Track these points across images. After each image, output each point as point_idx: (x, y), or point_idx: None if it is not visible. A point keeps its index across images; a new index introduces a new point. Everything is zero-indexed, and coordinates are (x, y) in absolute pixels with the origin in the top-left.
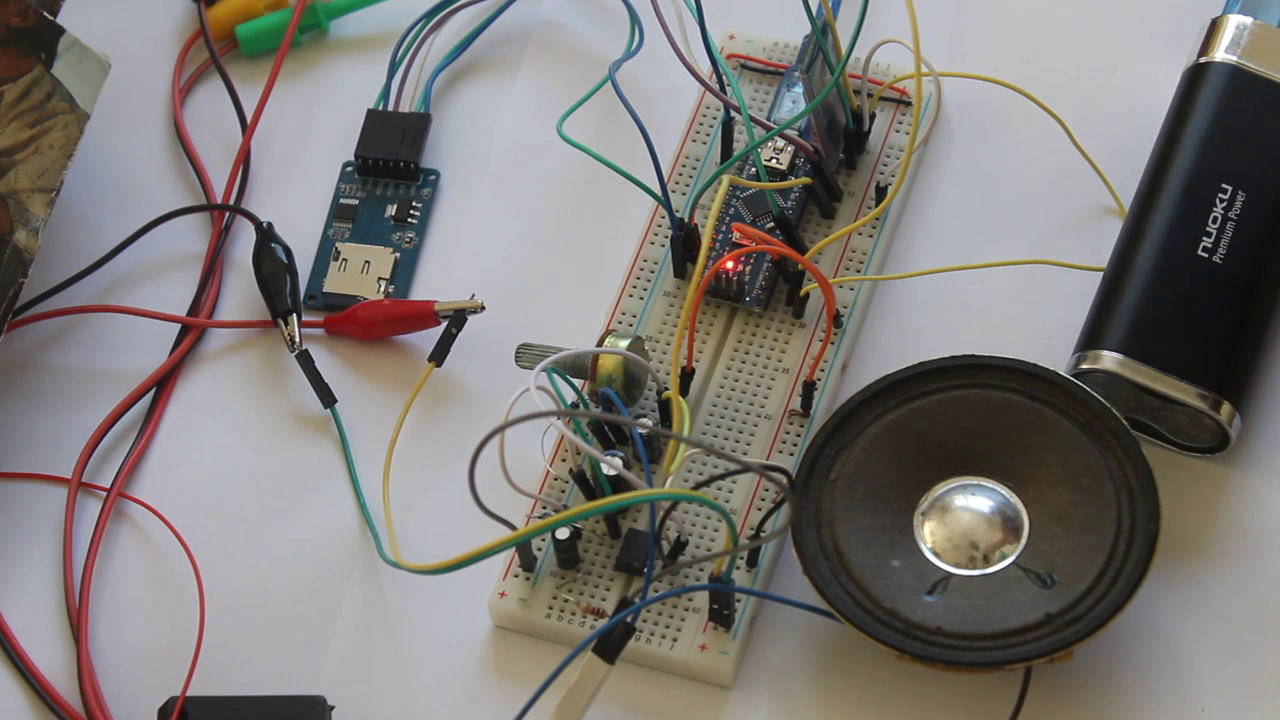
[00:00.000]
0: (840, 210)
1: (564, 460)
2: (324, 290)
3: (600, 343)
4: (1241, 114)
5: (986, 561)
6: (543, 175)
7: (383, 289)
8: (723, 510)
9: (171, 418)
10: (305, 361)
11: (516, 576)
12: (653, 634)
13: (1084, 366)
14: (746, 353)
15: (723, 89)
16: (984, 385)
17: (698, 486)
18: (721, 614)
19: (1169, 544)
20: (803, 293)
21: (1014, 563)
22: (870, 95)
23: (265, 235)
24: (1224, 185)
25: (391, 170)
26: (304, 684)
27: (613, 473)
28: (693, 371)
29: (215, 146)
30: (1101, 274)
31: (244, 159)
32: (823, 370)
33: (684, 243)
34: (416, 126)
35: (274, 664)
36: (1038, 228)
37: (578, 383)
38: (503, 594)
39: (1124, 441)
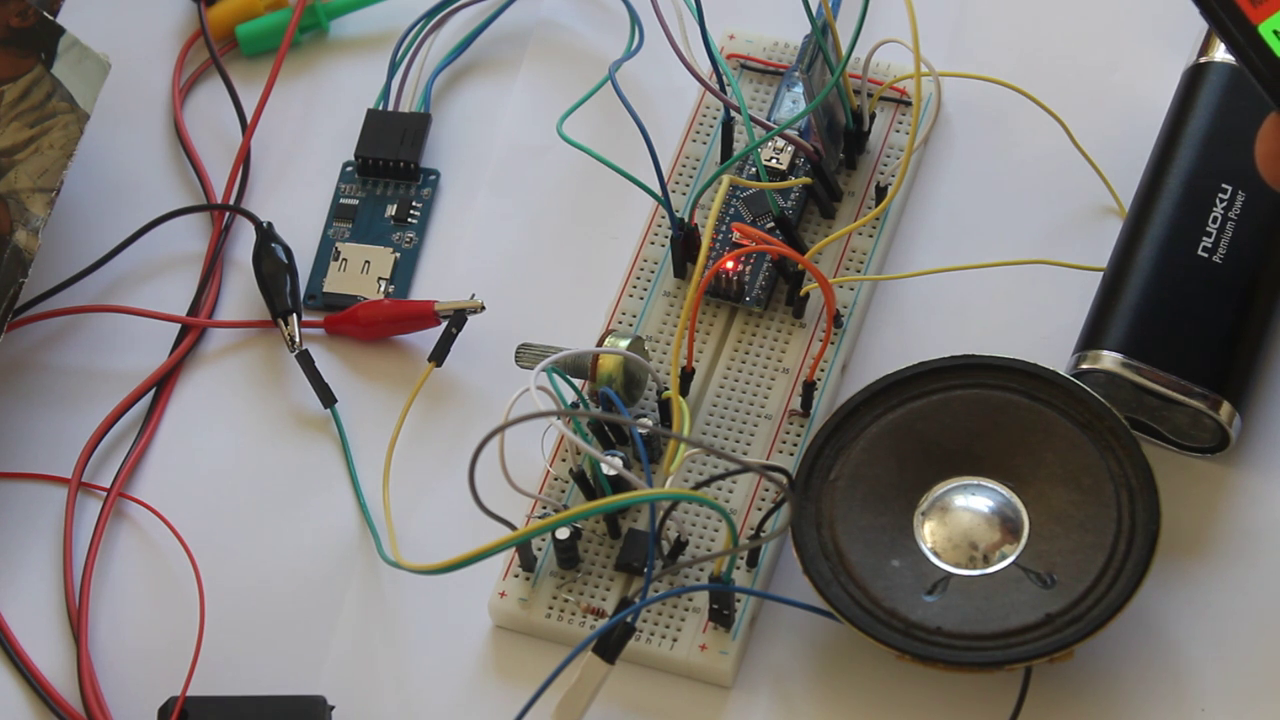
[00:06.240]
0: (840, 210)
1: (564, 460)
2: (324, 290)
3: (600, 343)
4: (1241, 114)
5: (986, 561)
6: (543, 175)
7: (383, 289)
8: (723, 510)
9: (171, 418)
10: (305, 361)
11: (516, 576)
12: (653, 634)
13: (1084, 366)
14: (746, 353)
15: (723, 89)
16: (984, 385)
17: (698, 486)
18: (721, 614)
19: (1169, 544)
20: (803, 293)
21: (1014, 563)
22: (870, 95)
23: (265, 235)
24: (1224, 185)
25: (391, 170)
26: (304, 684)
27: (613, 473)
28: (693, 371)
29: (215, 146)
30: (1101, 274)
31: (244, 159)
32: (823, 370)
33: (684, 243)
34: (416, 126)
35: (274, 664)
36: (1038, 228)
37: (578, 383)
38: (503, 594)
39: (1124, 441)
